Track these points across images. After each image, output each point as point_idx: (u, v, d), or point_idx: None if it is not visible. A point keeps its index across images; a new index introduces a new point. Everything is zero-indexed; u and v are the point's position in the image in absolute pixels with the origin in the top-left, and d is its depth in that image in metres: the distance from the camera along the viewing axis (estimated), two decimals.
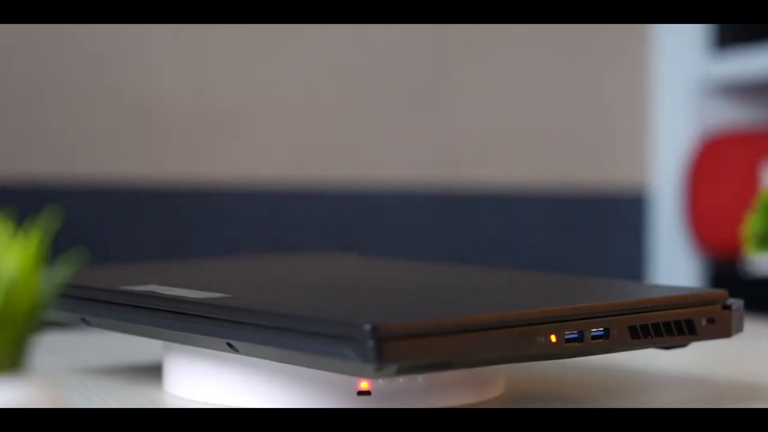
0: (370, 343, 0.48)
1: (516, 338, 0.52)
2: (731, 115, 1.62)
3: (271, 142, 1.48)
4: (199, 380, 0.59)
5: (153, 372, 0.68)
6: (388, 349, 0.48)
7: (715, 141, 1.55)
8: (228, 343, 0.54)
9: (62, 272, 0.41)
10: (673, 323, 0.57)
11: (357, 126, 1.52)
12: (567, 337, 0.54)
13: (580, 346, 0.54)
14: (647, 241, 1.65)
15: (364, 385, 0.56)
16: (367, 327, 0.48)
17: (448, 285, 0.62)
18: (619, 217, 1.64)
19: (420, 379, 0.57)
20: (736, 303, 0.60)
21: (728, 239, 1.51)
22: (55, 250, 1.39)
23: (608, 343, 0.55)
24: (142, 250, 1.42)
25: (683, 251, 1.62)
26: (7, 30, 1.37)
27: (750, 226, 0.85)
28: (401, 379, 0.56)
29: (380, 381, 0.56)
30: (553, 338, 0.53)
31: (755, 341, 0.86)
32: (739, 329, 0.61)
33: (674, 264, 1.63)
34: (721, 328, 0.59)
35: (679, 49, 1.62)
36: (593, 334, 0.55)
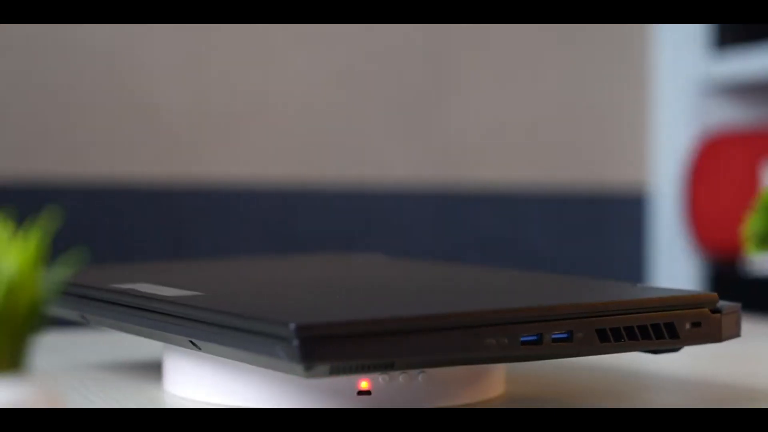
0: (295, 342, 0.48)
1: (462, 339, 0.51)
2: (731, 115, 1.62)
3: (271, 142, 1.48)
4: (199, 380, 0.59)
5: (153, 371, 0.68)
6: (315, 349, 0.48)
7: (715, 141, 1.55)
8: (191, 341, 0.55)
9: (62, 272, 0.41)
10: (651, 327, 0.55)
11: (357, 126, 1.52)
12: (523, 339, 0.52)
13: (539, 348, 0.52)
14: (647, 241, 1.65)
15: (364, 385, 0.56)
16: (292, 326, 0.48)
17: (416, 284, 0.62)
18: (619, 217, 1.64)
19: (420, 378, 0.57)
20: (730, 306, 0.58)
21: (728, 239, 1.51)
22: (55, 250, 1.39)
23: (572, 346, 0.53)
24: (142, 250, 1.42)
25: (683, 251, 1.62)
26: (7, 30, 1.37)
27: (750, 226, 0.85)
28: (401, 379, 0.56)
29: (380, 381, 0.56)
30: (506, 340, 0.51)
31: (755, 342, 0.86)
32: (734, 334, 0.58)
33: (674, 264, 1.63)
34: (709, 332, 0.56)
35: (679, 49, 1.62)
36: (554, 337, 0.53)
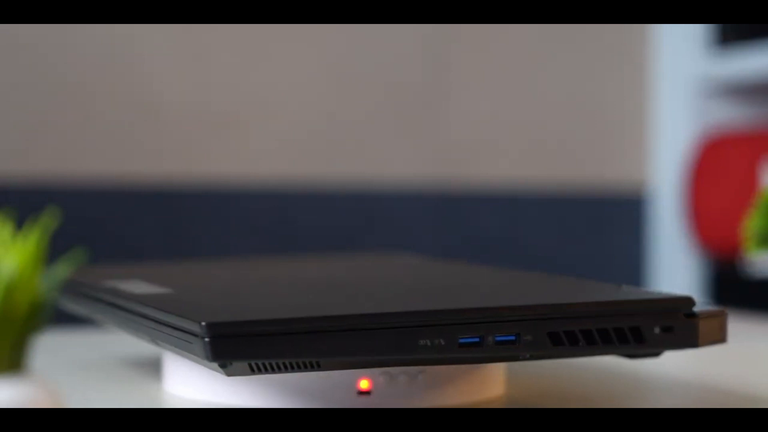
0: (207, 339, 0.48)
1: (392, 340, 0.50)
2: (731, 115, 1.62)
3: (271, 142, 1.48)
4: (199, 379, 0.59)
5: (153, 371, 0.68)
6: (226, 347, 0.48)
7: (715, 141, 1.55)
8: (152, 338, 0.56)
9: (62, 272, 0.41)
10: (613, 331, 0.53)
11: (357, 126, 1.52)
12: (462, 341, 0.51)
13: (480, 350, 0.51)
14: (647, 241, 1.65)
15: (364, 384, 0.56)
16: (203, 324, 0.48)
17: (378, 283, 0.61)
18: (619, 217, 1.64)
19: (420, 378, 0.57)
20: (710, 311, 0.55)
21: (728, 239, 1.51)
22: (55, 251, 1.39)
23: (519, 349, 0.52)
24: (142, 250, 1.42)
25: (683, 251, 1.62)
26: (7, 30, 1.37)
27: (750, 225, 0.85)
28: (401, 379, 0.56)
29: (380, 380, 0.56)
30: (442, 341, 0.50)
31: (755, 342, 0.86)
32: (716, 339, 0.55)
33: (674, 264, 1.63)
34: (683, 337, 0.54)
35: (679, 49, 1.62)
36: (498, 339, 0.51)
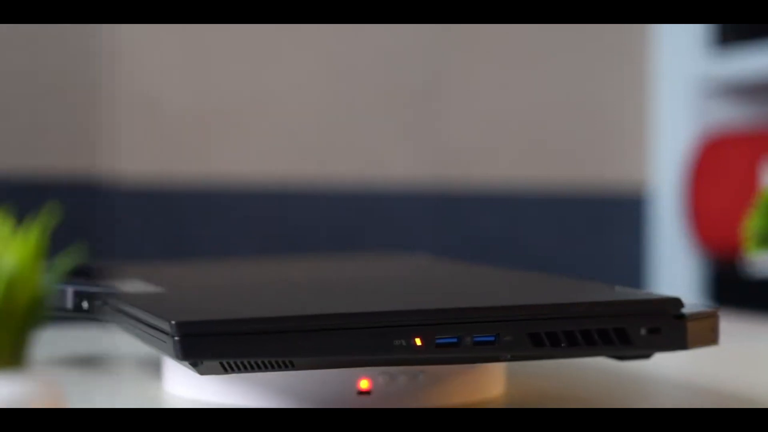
0: (176, 339, 0.48)
1: (366, 340, 0.50)
2: (731, 115, 1.61)
3: (271, 142, 1.48)
4: (199, 380, 0.59)
5: (153, 370, 0.68)
6: (196, 346, 0.48)
7: (715, 141, 1.55)
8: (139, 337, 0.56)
9: (62, 268, 0.41)
10: (597, 332, 0.52)
11: (357, 126, 1.52)
12: (440, 341, 0.50)
13: (458, 351, 0.51)
14: (647, 241, 1.65)
15: (364, 384, 0.56)
16: (173, 323, 0.48)
17: (357, 283, 0.61)
18: (619, 217, 1.64)
19: (420, 378, 0.57)
20: (701, 312, 0.54)
21: (728, 239, 1.51)
22: (55, 250, 1.38)
23: (498, 349, 0.51)
24: (142, 250, 1.42)
25: (683, 251, 1.62)
26: (8, 29, 1.37)
27: (750, 225, 0.85)
28: (401, 379, 0.56)
29: (380, 381, 0.56)
30: (418, 341, 0.50)
31: (755, 342, 0.86)
32: (707, 341, 0.55)
33: (674, 264, 1.63)
34: (671, 339, 0.53)
35: (679, 49, 1.62)
36: (477, 339, 0.51)
